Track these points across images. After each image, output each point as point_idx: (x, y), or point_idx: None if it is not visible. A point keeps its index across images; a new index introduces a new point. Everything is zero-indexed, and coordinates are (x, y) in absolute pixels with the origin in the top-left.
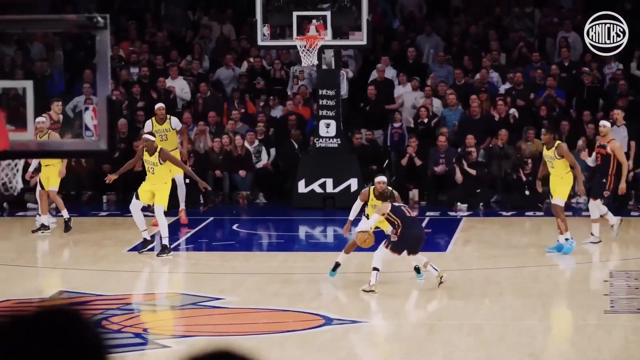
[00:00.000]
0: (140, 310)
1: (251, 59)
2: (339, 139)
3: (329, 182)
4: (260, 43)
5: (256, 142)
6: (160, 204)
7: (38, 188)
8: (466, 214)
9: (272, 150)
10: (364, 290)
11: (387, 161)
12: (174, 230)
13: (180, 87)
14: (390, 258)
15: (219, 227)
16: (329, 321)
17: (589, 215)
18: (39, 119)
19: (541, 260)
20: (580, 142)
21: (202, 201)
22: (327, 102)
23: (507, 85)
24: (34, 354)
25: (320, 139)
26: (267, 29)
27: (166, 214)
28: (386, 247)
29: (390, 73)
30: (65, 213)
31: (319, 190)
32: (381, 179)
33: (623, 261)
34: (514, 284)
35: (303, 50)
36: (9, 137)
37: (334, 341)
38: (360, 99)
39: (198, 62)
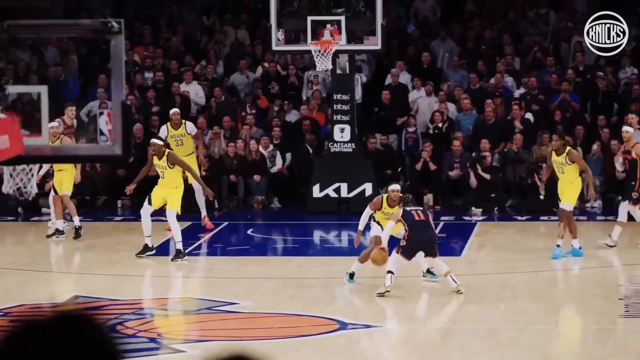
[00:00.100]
0: (155, 314)
1: (266, 64)
2: (353, 144)
3: (344, 186)
4: (274, 48)
5: (271, 147)
6: (172, 209)
7: (52, 193)
8: (481, 218)
9: (288, 155)
10: (378, 294)
11: (401, 166)
12: (190, 235)
13: (194, 91)
14: (402, 263)
15: (234, 232)
16: (343, 326)
17: (603, 220)
18: (51, 124)
19: (556, 264)
20: (594, 147)
21: (216, 206)
22: (341, 107)
23: (522, 90)
24: (48, 359)
25: (335, 144)
26: (281, 34)
27: (184, 218)
28: (397, 252)
29: (404, 78)
30: (76, 220)
31: (333, 194)
32: (395, 187)
33: (638, 265)
34: (529, 288)
35: (317, 55)
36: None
37: (348, 346)
38: (374, 104)
39: (212, 67)
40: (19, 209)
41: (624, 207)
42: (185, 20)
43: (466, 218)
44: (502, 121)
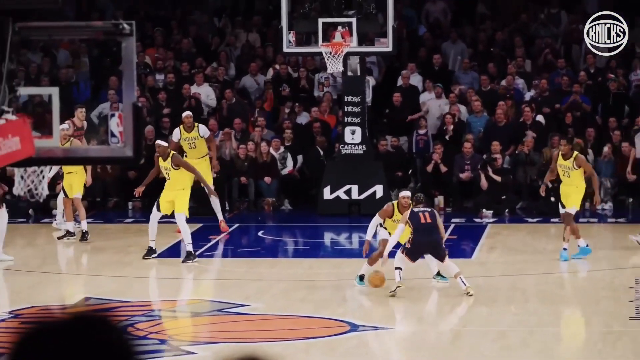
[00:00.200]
0: (166, 316)
1: (277, 66)
2: (364, 146)
3: (355, 188)
4: (285, 50)
5: (281, 149)
6: (181, 211)
7: (61, 194)
8: (491, 220)
9: (299, 157)
10: (391, 293)
11: (412, 168)
12: (200, 237)
13: (205, 93)
14: (407, 263)
15: (245, 234)
16: (354, 327)
17: (614, 222)
18: (61, 126)
19: (566, 266)
20: (605, 149)
21: (227, 208)
22: (352, 109)
23: (533, 92)
24: None
25: (346, 146)
26: (292, 36)
27: (194, 220)
28: (402, 252)
29: (416, 80)
30: (84, 224)
31: (344, 196)
32: (405, 193)
33: None
34: (539, 290)
35: (328, 56)
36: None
37: (359, 347)
38: (385, 106)
39: (224, 69)
40: (30, 211)
41: None
42: (196, 22)
43: (477, 220)
44: (513, 123)
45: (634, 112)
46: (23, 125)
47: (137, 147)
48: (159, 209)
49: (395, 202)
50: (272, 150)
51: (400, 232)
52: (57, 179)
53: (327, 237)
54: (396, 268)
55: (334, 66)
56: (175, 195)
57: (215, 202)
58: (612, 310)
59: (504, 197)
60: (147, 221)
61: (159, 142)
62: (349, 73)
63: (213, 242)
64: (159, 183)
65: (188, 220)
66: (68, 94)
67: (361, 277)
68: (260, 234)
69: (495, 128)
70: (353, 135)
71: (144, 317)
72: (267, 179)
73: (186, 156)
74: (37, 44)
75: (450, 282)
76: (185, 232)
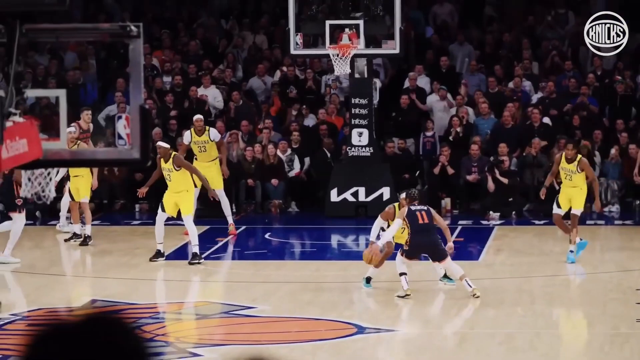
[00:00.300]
0: (173, 319)
1: (284, 68)
2: (371, 148)
3: (362, 190)
4: (293, 52)
5: (289, 151)
6: (187, 214)
7: (65, 197)
8: (498, 222)
9: (306, 159)
10: (399, 296)
11: (419, 170)
12: (207, 239)
13: (212, 95)
14: (407, 263)
15: (252, 236)
16: (361, 330)
17: (621, 224)
18: (68, 129)
19: (573, 268)
20: (613, 151)
21: (234, 210)
22: (359, 111)
23: (540, 94)
24: None
25: (353, 148)
26: (299, 38)
27: (201, 222)
28: (401, 254)
29: (423, 82)
30: (88, 229)
31: (351, 199)
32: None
33: None
34: (546, 292)
35: (336, 59)
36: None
37: (366, 350)
38: (392, 108)
39: (231, 71)
40: (37, 213)
41: None
42: (203, 24)
43: (484, 222)
44: (520, 125)
45: None
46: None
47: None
48: (163, 210)
49: (396, 204)
50: (279, 153)
51: (397, 226)
52: (64, 182)
53: (334, 240)
54: (401, 274)
55: (341, 68)
56: (179, 197)
57: (225, 205)
58: (619, 313)
59: (511, 199)
60: (154, 223)
61: (160, 143)
62: (356, 75)
63: (220, 244)
64: (164, 184)
65: (195, 223)
66: (75, 96)
67: (368, 280)
68: (267, 236)
69: (502, 130)
70: (360, 138)
71: (151, 319)
72: (274, 181)
73: (196, 159)
74: (45, 46)
75: (457, 285)
76: (192, 233)
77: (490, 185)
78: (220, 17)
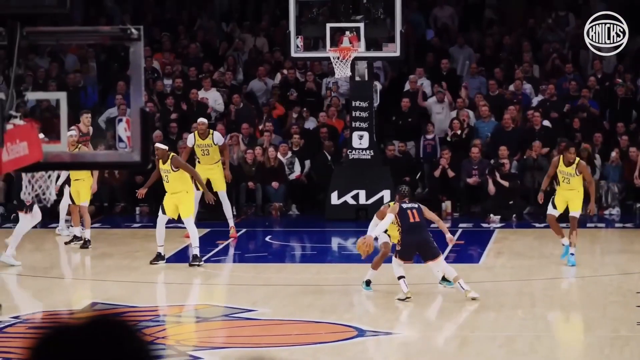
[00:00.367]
0: (173, 321)
1: (284, 71)
2: (371, 151)
3: (362, 193)
4: (293, 55)
5: (289, 154)
6: (187, 216)
7: (64, 200)
8: (499, 225)
9: (306, 162)
10: (399, 299)
11: (419, 173)
12: (208, 241)
13: (213, 98)
14: (403, 265)
15: (252, 239)
16: (361, 333)
17: (621, 227)
18: (69, 132)
19: (574, 271)
20: (613, 154)
21: (235, 213)
22: (360, 114)
23: (540, 97)
24: None
25: (353, 151)
26: (300, 41)
27: (202, 225)
28: (395, 257)
29: (424, 84)
30: (87, 233)
31: (351, 201)
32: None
33: None
34: (547, 295)
35: (336, 61)
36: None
37: (366, 353)
38: (392, 111)
39: (231, 74)
40: None
41: None
42: (204, 27)
43: (484, 225)
44: (521, 128)
45: None
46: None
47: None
48: (164, 212)
49: (391, 203)
50: (279, 155)
51: (389, 220)
52: (63, 185)
53: (335, 242)
54: (399, 278)
55: (342, 71)
56: (179, 199)
57: (227, 208)
58: (620, 315)
59: (511, 202)
60: (155, 226)
61: (158, 144)
62: (357, 78)
63: (220, 247)
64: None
65: (196, 225)
66: (76, 99)
67: (367, 283)
68: (267, 239)
69: (502, 133)
70: (361, 140)
71: (151, 322)
72: (275, 184)
73: (199, 162)
74: (45, 48)
75: (456, 287)
76: (193, 235)
77: (491, 188)
78: (220, 19)
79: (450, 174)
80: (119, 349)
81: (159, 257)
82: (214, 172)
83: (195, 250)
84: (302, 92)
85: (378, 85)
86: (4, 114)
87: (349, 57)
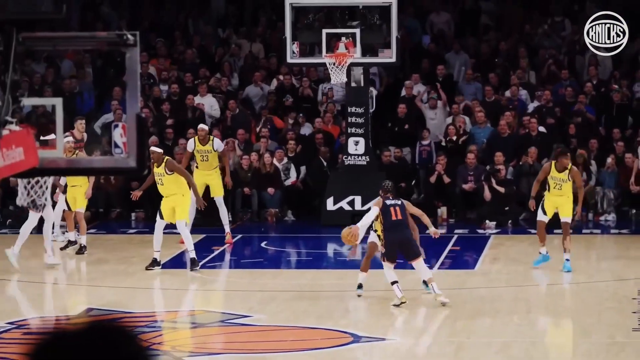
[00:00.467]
0: (169, 327)
1: (280, 77)
2: (367, 157)
3: (358, 199)
4: (289, 60)
5: (285, 160)
6: (182, 219)
7: (58, 206)
8: (495, 231)
9: (302, 168)
10: (394, 305)
11: (415, 179)
12: (204, 247)
13: (209, 104)
14: (392, 266)
15: (248, 245)
16: (357, 339)
17: (617, 233)
18: (67, 138)
19: (569, 277)
20: (609, 160)
21: (230, 218)
22: (356, 120)
23: (536, 103)
24: None
25: (349, 157)
26: (296, 46)
27: (198, 231)
28: (383, 260)
29: (419, 90)
30: (83, 239)
31: (347, 207)
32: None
33: None
34: (542, 301)
35: (332, 67)
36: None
37: (362, 359)
38: (388, 117)
39: (227, 80)
40: None
41: None
42: (200, 32)
43: (480, 231)
44: (517, 134)
45: (637, 123)
46: (26, 136)
47: (141, 158)
48: (162, 217)
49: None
50: (275, 161)
51: (374, 212)
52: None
53: (330, 248)
54: (392, 283)
55: (338, 77)
56: (175, 202)
57: (223, 214)
58: (615, 322)
59: (507, 208)
60: (150, 232)
61: (153, 148)
62: (353, 84)
63: (216, 253)
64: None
65: (192, 231)
66: (72, 105)
67: (359, 286)
68: (263, 244)
69: (498, 139)
70: (356, 146)
71: (147, 328)
72: (271, 190)
73: (197, 167)
74: (41, 54)
75: (448, 293)
76: (187, 240)
77: (487, 194)
78: (217, 25)
79: (446, 179)
80: (118, 354)
81: (154, 262)
82: (211, 177)
83: (192, 254)
84: (298, 98)
85: (373, 91)
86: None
87: (345, 63)
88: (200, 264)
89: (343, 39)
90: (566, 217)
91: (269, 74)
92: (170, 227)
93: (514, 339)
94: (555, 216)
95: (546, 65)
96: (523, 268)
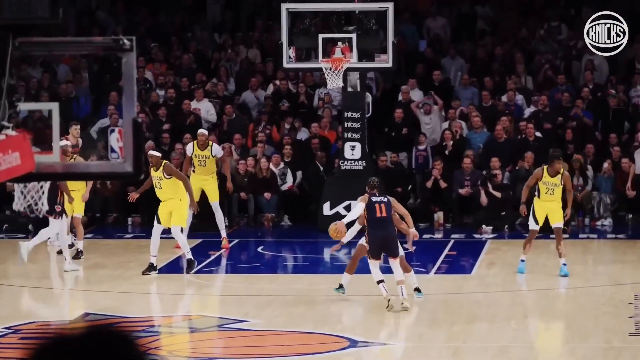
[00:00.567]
0: (165, 332)
1: (277, 82)
2: (364, 161)
3: (354, 204)
4: (285, 65)
5: (281, 165)
6: (177, 224)
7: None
8: (491, 236)
9: (298, 173)
10: (387, 308)
11: (412, 184)
12: (200, 252)
13: (205, 109)
14: (377, 264)
15: (244, 250)
16: (353, 343)
17: (614, 238)
18: (64, 142)
19: (566, 282)
20: (605, 165)
21: (227, 223)
22: (352, 125)
23: (533, 108)
24: None
25: (346, 162)
26: (292, 51)
27: (195, 236)
28: (369, 258)
29: (416, 95)
30: (80, 244)
31: (344, 212)
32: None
33: None
34: (539, 306)
35: (328, 72)
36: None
37: None
38: (385, 122)
39: (223, 85)
40: (30, 227)
41: None
42: (197, 37)
43: (476, 236)
44: (513, 139)
45: (633, 128)
46: (23, 141)
47: (137, 163)
48: (159, 222)
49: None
50: (271, 166)
51: (359, 210)
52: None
53: (327, 253)
54: (378, 282)
55: (334, 82)
56: (173, 206)
57: (220, 219)
58: (612, 326)
59: (503, 213)
60: (147, 237)
61: (151, 152)
62: (349, 89)
63: (212, 257)
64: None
65: (188, 236)
66: (68, 110)
67: (340, 286)
68: (259, 249)
69: (495, 144)
70: (353, 151)
71: (144, 332)
72: (267, 195)
73: (194, 172)
74: (37, 59)
75: (445, 297)
76: (183, 243)
77: (483, 199)
78: (213, 30)
79: (443, 184)
80: (117, 358)
81: (151, 267)
82: (208, 182)
83: (189, 255)
84: (294, 103)
85: (369, 96)
86: None
87: (341, 68)
88: (197, 268)
89: (339, 44)
90: (558, 222)
91: (265, 79)
92: (167, 232)
93: (511, 343)
94: (547, 222)
95: (542, 70)
96: (519, 273)
